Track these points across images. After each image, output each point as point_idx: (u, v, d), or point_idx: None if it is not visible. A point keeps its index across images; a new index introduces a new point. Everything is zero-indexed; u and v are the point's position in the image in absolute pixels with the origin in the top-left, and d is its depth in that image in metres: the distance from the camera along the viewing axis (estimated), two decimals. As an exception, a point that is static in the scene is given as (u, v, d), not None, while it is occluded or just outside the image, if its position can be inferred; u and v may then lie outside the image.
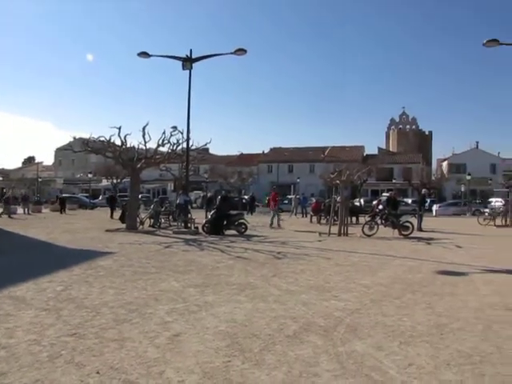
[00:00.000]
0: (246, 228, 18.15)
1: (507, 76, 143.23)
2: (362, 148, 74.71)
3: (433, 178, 68.87)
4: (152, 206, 22.03)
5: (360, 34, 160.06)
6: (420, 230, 19.44)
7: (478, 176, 60.09)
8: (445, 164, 74.74)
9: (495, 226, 23.44)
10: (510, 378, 3.87)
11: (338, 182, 18.83)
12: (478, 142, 72.85)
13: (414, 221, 19.44)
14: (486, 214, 26.18)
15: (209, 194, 34.76)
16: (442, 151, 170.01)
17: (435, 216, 37.35)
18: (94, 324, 5.20)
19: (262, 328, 5.13)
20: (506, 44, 18.84)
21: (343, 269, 9.40)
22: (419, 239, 16.18)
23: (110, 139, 19.84)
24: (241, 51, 19.37)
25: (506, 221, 24.21)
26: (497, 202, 37.81)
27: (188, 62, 19.65)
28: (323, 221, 24.72)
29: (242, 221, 18.36)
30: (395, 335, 4.95)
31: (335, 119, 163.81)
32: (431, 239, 16.27)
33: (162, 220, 21.87)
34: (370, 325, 5.32)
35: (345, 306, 6.16)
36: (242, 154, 78.17)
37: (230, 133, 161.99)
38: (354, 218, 24.45)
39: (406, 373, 3.92)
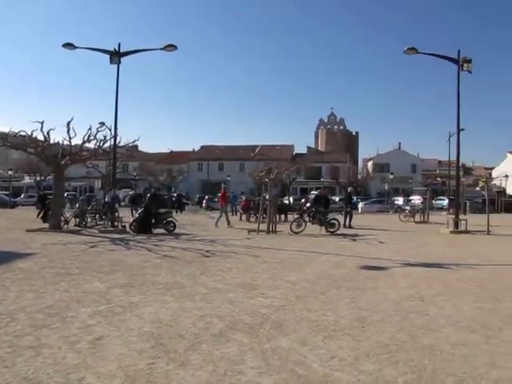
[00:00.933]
0: (174, 226, 17.93)
1: (428, 78, 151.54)
2: (291, 147, 76.08)
3: (359, 176, 71.60)
4: (77, 205, 21.19)
5: (291, 34, 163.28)
6: (350, 227, 20.00)
7: (400, 175, 63.08)
8: (370, 163, 77.83)
9: (415, 222, 24.71)
10: (421, 362, 4.11)
11: (267, 180, 19.06)
12: (400, 143, 76.71)
13: (342, 218, 20.11)
14: (407, 211, 27.51)
15: (131, 193, 33.99)
16: (367, 151, 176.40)
17: (361, 213, 38.76)
18: (7, 331, 4.89)
19: (188, 327, 5.09)
20: (424, 53, 19.96)
21: (271, 266, 9.53)
22: (345, 236, 16.75)
23: (31, 134, 18.83)
24: (171, 47, 19.09)
25: (424, 217, 25.58)
26: (416, 199, 39.83)
27: (116, 56, 19.06)
28: (252, 219, 24.93)
29: (170, 219, 18.11)
30: (319, 330, 5.08)
31: (266, 118, 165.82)
32: (356, 236, 16.89)
33: (89, 219, 21.11)
34: (295, 320, 5.43)
35: (271, 303, 6.24)
36: (172, 152, 77.13)
37: (160, 130, 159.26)
38: (282, 216, 24.86)
39: (329, 365, 4.04)
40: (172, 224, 17.93)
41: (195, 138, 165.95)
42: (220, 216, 21.33)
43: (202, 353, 4.30)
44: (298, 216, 19.03)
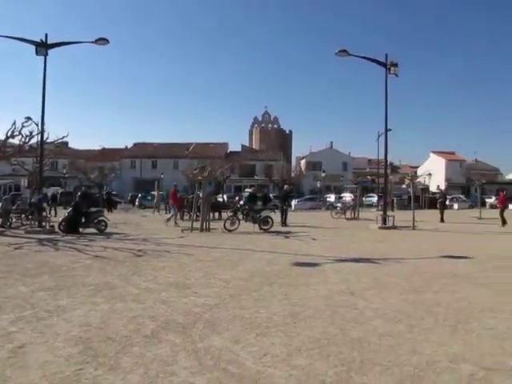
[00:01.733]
0: (106, 226, 17.41)
1: (359, 77, 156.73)
2: (225, 145, 76.12)
3: (292, 174, 72.76)
4: (0, 204, 20.04)
5: (227, 34, 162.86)
6: (285, 225, 20.20)
7: (332, 173, 64.89)
8: (303, 162, 79.36)
9: (346, 219, 25.52)
10: (350, 354, 4.25)
11: (200, 178, 18.94)
12: (332, 142, 78.79)
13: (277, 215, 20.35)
14: (338, 208, 28.35)
15: (50, 192, 32.62)
16: (301, 149, 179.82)
17: (294, 210, 39.44)
18: None
19: (119, 330, 4.95)
20: (354, 55, 20.61)
21: (204, 264, 9.48)
22: (278, 233, 16.99)
23: None
24: (102, 41, 18.47)
25: (354, 214, 26.47)
26: (347, 197, 41.11)
27: (43, 47, 18.16)
28: (186, 217, 24.71)
29: (101, 218, 17.57)
30: (252, 327, 5.11)
31: (201, 117, 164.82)
32: (289, 233, 17.18)
33: (13, 219, 20.03)
34: (229, 319, 5.43)
35: (204, 302, 6.21)
36: (103, 149, 74.80)
37: (91, 127, 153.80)
38: (216, 214, 24.82)
39: (261, 362, 4.07)
40: (103, 223, 17.41)
41: (128, 135, 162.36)
42: (172, 215, 21.46)
43: (133, 355, 4.20)
44: (231, 214, 19.07)
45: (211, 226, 17.99)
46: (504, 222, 21.49)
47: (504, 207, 23.06)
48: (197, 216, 18.93)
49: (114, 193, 47.09)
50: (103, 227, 17.27)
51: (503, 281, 7.99)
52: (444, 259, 10.48)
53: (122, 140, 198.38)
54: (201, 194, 18.98)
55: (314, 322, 5.34)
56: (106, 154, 71.38)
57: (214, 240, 14.45)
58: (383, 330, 5.04)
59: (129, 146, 77.18)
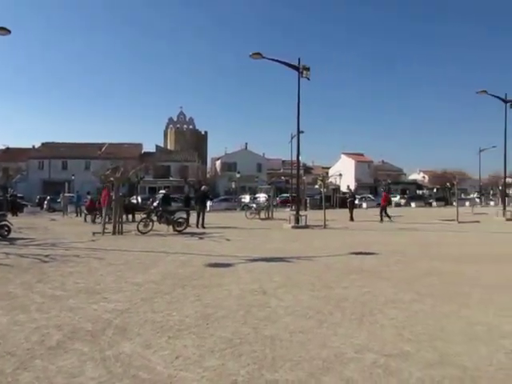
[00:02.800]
0: (9, 231, 16.29)
1: (274, 79, 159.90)
2: (139, 146, 74.33)
3: (208, 175, 72.69)
4: None
5: (142, 33, 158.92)
6: (203, 226, 19.94)
7: (247, 174, 65.62)
8: (218, 162, 79.56)
9: (260, 219, 25.90)
10: (263, 352, 4.32)
11: (112, 179, 18.34)
12: (246, 144, 79.72)
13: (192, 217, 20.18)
14: (253, 208, 28.70)
15: None
16: (216, 151, 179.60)
17: (209, 211, 39.31)
18: None
19: (20, 343, 4.63)
20: (268, 58, 21.00)
21: (116, 268, 9.17)
22: (192, 234, 16.86)
23: None
24: (3, 30, 17.22)
25: (268, 214, 26.94)
26: (261, 197, 41.76)
27: None
28: (98, 219, 23.79)
29: (4, 223, 16.42)
30: (164, 330, 5.02)
31: (114, 117, 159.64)
32: (203, 234, 17.11)
33: None
34: (140, 323, 5.29)
35: (114, 307, 6.00)
36: (8, 149, 70.11)
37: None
38: (130, 216, 24.15)
39: (173, 366, 4.01)
40: (6, 228, 16.27)
41: (36, 135, 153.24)
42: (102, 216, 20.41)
43: (34, 369, 3.94)
44: (145, 216, 18.64)
45: (124, 229, 17.46)
46: (382, 219, 23.91)
47: (385, 205, 25.43)
48: (109, 218, 18.26)
49: (19, 195, 44.38)
50: (6, 232, 16.14)
51: (403, 274, 8.53)
52: (352, 256, 10.98)
53: (28, 140, 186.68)
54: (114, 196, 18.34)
55: (226, 322, 5.35)
56: (10, 154, 67.07)
57: (127, 243, 14.03)
58: (294, 326, 5.17)
59: (36, 146, 72.93)
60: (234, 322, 5.37)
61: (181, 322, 5.33)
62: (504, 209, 27.96)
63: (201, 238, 15.61)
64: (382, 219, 23.91)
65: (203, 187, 23.97)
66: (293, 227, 19.90)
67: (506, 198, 51.77)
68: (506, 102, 28.44)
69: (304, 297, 6.64)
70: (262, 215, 26.78)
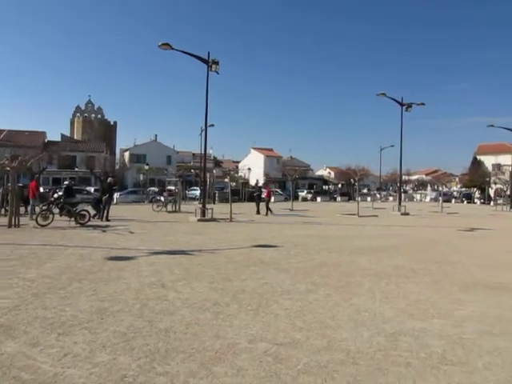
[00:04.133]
0: None
1: (185, 71, 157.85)
2: (43, 134, 69.88)
3: (116, 167, 70.30)
4: None
5: (43, 23, 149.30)
6: (107, 219, 19.21)
7: (156, 166, 64.38)
8: (127, 154, 77.20)
9: (167, 212, 25.56)
10: (156, 345, 4.28)
11: (9, 168, 17.13)
12: (156, 135, 78.17)
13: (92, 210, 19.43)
14: (160, 201, 28.20)
15: None
16: (126, 142, 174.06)
17: (116, 204, 38.13)
18: None
19: None
20: (178, 50, 20.70)
21: (7, 264, 8.60)
22: (95, 227, 16.26)
23: None
24: None
25: (176, 207, 26.66)
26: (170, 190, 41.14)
27: None
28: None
29: None
30: (54, 327, 4.82)
31: (16, 105, 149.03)
32: (107, 227, 16.57)
33: None
34: (28, 321, 5.03)
35: (1, 305, 5.65)
36: None
37: None
38: (29, 208, 22.70)
39: (61, 364, 3.87)
40: None
41: None
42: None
43: None
44: (44, 207, 17.64)
45: (22, 222, 16.42)
46: (267, 211, 24.93)
47: (269, 199, 26.95)
48: (6, 211, 17.05)
49: None
50: None
51: (302, 265, 8.89)
52: (255, 248, 11.23)
53: None
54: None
55: (122, 316, 5.25)
56: None
57: (23, 236, 13.21)
58: (190, 318, 5.20)
59: None
60: (129, 315, 5.28)
61: (73, 318, 5.15)
62: (399, 204, 29.96)
63: (104, 231, 15.09)
64: (267, 213, 24.71)
65: (109, 179, 23.17)
66: (199, 220, 19.87)
67: (403, 194, 55.54)
68: (402, 105, 30.41)
69: (203, 289, 6.69)
70: (170, 208, 26.45)
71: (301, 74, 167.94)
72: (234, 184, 59.07)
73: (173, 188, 31.64)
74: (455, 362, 4.17)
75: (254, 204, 27.42)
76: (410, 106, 30.86)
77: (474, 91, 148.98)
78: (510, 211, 38.99)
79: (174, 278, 7.43)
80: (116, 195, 42.13)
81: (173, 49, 20.29)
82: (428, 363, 4.11)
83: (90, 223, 17.16)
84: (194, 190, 52.06)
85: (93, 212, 19.30)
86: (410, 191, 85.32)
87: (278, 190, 59.29)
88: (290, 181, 43.09)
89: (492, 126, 43.68)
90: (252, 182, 62.75)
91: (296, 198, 52.95)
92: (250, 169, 67.16)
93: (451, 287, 7.29)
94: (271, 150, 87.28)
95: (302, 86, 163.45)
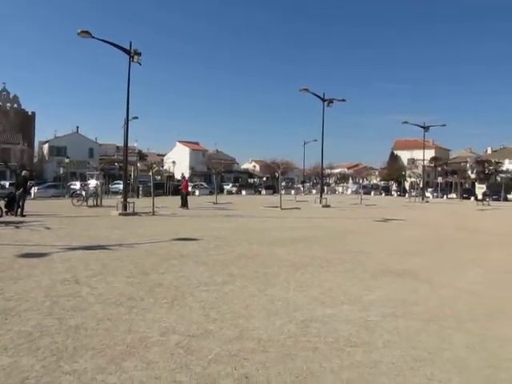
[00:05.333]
0: None
1: (107, 62, 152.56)
2: None
3: (35, 159, 66.75)
4: None
5: None
6: (21, 215, 18.17)
7: (78, 159, 61.85)
8: (46, 146, 73.64)
9: (88, 206, 24.69)
10: (65, 343, 4.16)
11: None
12: (78, 127, 75.06)
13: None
14: (81, 195, 27.16)
15: None
16: (45, 134, 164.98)
17: (34, 199, 36.27)
18: None
19: None
20: (98, 39, 19.98)
21: None
22: (8, 223, 15.34)
23: None
24: None
25: (97, 201, 25.81)
26: (91, 184, 39.77)
27: None
28: None
29: None
30: (-48, 329, 4.54)
31: None
32: (22, 223, 15.72)
33: None
34: None
35: None
36: None
37: None
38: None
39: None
40: None
41: None
42: None
43: None
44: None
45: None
46: (184, 205, 25.14)
47: (188, 192, 26.90)
48: None
49: None
50: None
51: (220, 258, 8.97)
52: (175, 242, 11.16)
53: None
54: None
55: (29, 315, 5.04)
56: None
57: None
58: (103, 314, 5.10)
59: None
60: (37, 314, 5.08)
61: (-27, 320, 4.87)
62: (321, 197, 30.91)
63: (17, 228, 14.29)
64: (184, 205, 24.81)
65: (23, 172, 21.96)
66: (120, 214, 19.38)
67: (325, 187, 57.34)
68: (323, 100, 31.33)
69: (118, 284, 6.57)
70: (91, 202, 25.56)
71: (224, 68, 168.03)
72: (159, 178, 58.19)
73: (90, 182, 30.48)
74: (359, 343, 4.42)
75: (178, 198, 27.16)
76: (332, 102, 31.89)
77: (395, 90, 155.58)
78: (422, 202, 41.52)
79: (90, 273, 7.22)
80: (34, 189, 40.17)
81: (93, 37, 19.55)
82: (334, 346, 4.32)
83: (1, 219, 16.21)
84: (118, 183, 50.61)
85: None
86: (333, 184, 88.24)
87: (203, 184, 59.15)
88: (215, 174, 43.17)
89: (406, 122, 46.29)
90: (177, 176, 62.13)
91: (221, 191, 53.14)
92: (174, 162, 66.39)
93: (363, 275, 7.67)
94: (197, 143, 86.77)
95: (226, 80, 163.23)
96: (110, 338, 4.37)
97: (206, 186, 56.65)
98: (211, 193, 47.72)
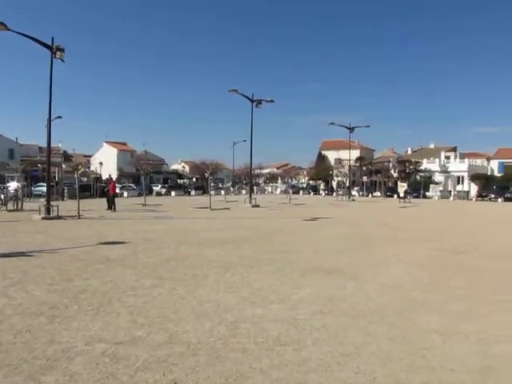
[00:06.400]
0: None
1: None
2: None
3: None
4: None
5: None
6: None
7: (-4, 160, 58.29)
8: (-43, 146, 68.66)
9: (7, 210, 23.29)
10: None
11: None
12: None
13: None
14: (0, 199, 25.55)
15: None
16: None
17: None
18: None
19: None
20: (17, 32, 18.88)
21: None
22: None
23: None
24: None
25: (18, 205, 24.43)
26: (12, 186, 37.64)
27: None
28: None
29: None
30: None
31: None
32: None
33: None
34: None
35: None
36: None
37: None
38: None
39: None
40: None
41: None
42: None
43: None
44: None
45: None
46: (111, 208, 24.46)
47: (115, 194, 26.28)
48: None
49: None
50: None
51: (149, 260, 8.80)
52: (102, 246, 10.78)
53: None
54: None
55: None
56: None
57: None
58: (21, 326, 4.80)
59: None
60: None
61: None
62: (250, 197, 31.13)
63: None
64: (111, 208, 24.23)
65: None
66: (43, 218, 18.41)
67: (255, 187, 57.83)
68: (252, 101, 31.59)
69: (40, 292, 6.23)
70: (10, 206, 24.12)
71: (151, 68, 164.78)
72: (86, 179, 56.08)
73: (10, 185, 28.72)
74: (288, 341, 4.47)
75: (105, 200, 26.29)
76: (260, 103, 32.22)
77: (322, 91, 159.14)
78: (349, 201, 42.97)
79: (8, 283, 6.78)
80: None
81: (9, 29, 18.44)
82: (264, 346, 4.34)
83: None
84: (41, 186, 48.15)
85: None
86: (262, 184, 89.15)
87: (131, 185, 57.74)
88: (144, 175, 42.27)
89: (333, 123, 47.74)
90: (105, 177, 60.22)
91: (150, 192, 52.10)
92: (101, 163, 64.29)
93: (292, 274, 7.80)
94: (125, 143, 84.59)
95: (151, 80, 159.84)
96: (28, 351, 4.11)
97: (134, 187, 55.30)
98: (140, 194, 46.59)
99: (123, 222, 17.71)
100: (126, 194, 48.62)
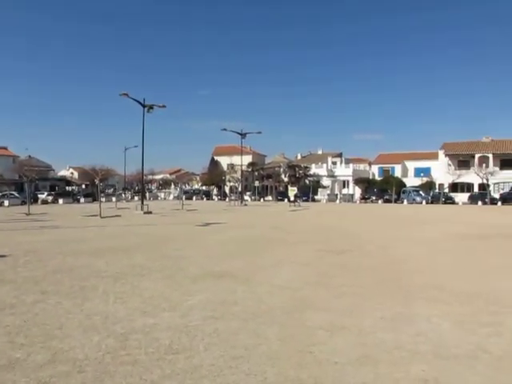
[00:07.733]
0: None
1: None
2: None
3: None
4: None
5: None
6: None
7: None
8: None
9: None
10: None
11: None
12: None
13: None
14: None
15: None
16: None
17: None
18: None
19: None
20: None
21: None
22: None
23: None
24: None
25: None
26: None
27: None
28: None
29: None
30: None
31: None
32: None
33: None
34: None
35: None
36: None
37: None
38: None
39: None
40: None
41: None
42: None
43: None
44: None
45: None
46: None
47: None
48: None
49: None
50: None
51: (31, 274, 8.23)
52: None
53: None
54: None
55: None
56: None
57: None
58: None
59: None
60: None
61: None
62: (142, 203, 30.41)
63: None
64: None
65: None
66: None
67: (148, 193, 56.56)
68: (143, 106, 30.93)
69: None
70: None
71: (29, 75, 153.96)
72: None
73: None
74: (180, 349, 4.43)
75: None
76: (152, 108, 31.67)
77: (213, 97, 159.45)
78: (241, 205, 43.70)
79: None
80: None
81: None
82: (155, 356, 4.25)
83: None
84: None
85: None
86: (155, 190, 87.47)
87: (13, 193, 53.55)
88: (28, 182, 39.50)
89: (225, 129, 48.26)
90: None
91: (35, 200, 48.82)
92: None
93: (183, 280, 7.74)
94: (5, 148, 78.14)
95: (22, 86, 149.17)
96: None
97: (17, 195, 51.33)
98: (24, 203, 43.42)
99: (2, 234, 16.35)
100: (6, 202, 45.06)
